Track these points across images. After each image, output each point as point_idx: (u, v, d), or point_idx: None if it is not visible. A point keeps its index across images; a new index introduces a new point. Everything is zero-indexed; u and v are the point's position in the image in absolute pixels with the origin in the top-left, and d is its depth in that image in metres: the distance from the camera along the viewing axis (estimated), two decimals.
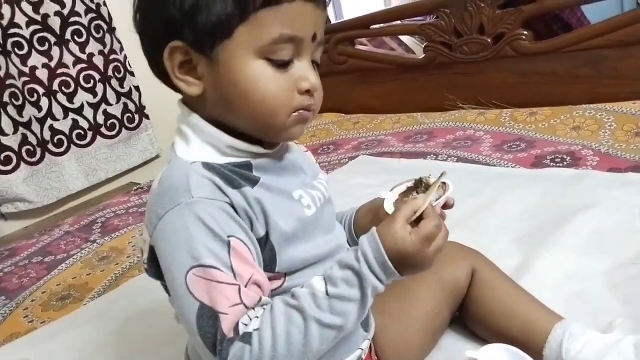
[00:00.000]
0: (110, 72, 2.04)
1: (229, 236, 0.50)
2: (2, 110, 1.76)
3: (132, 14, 0.57)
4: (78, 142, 1.98)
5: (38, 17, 1.84)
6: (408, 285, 0.73)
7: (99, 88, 2.01)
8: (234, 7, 0.50)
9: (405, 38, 2.24)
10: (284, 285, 0.56)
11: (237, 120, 0.56)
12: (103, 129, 2.04)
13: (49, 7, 1.86)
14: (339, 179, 1.48)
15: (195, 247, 0.49)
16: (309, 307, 0.50)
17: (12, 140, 1.80)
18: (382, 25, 2.01)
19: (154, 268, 0.55)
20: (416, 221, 0.55)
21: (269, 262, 0.54)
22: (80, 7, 1.94)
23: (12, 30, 1.79)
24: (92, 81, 1.99)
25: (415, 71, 1.93)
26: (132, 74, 2.09)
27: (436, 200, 0.62)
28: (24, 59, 1.82)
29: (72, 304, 1.16)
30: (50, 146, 1.90)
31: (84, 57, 1.96)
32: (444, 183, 0.64)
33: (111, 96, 2.05)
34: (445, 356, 0.73)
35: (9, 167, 1.80)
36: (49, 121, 1.88)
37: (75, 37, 1.94)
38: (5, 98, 1.76)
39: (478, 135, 1.58)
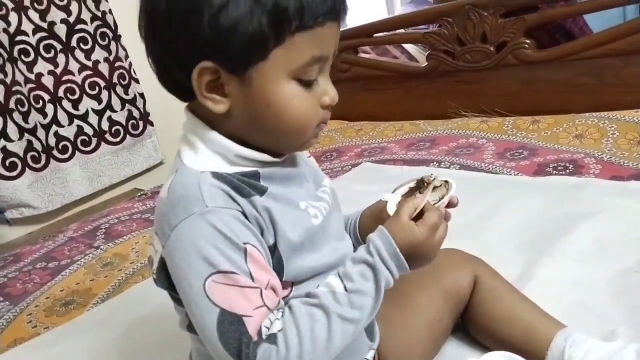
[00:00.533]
0: (115, 79, 2.05)
1: (245, 243, 0.51)
2: (7, 117, 1.77)
3: (145, 27, 0.55)
4: (83, 148, 1.99)
5: (44, 25, 1.86)
6: (411, 293, 0.73)
7: (104, 95, 2.03)
8: (271, 30, 0.51)
9: (408, 46, 2.25)
10: (290, 294, 0.56)
11: (260, 137, 0.57)
12: (108, 136, 2.06)
13: (56, 15, 1.88)
14: (342, 186, 1.49)
15: (212, 255, 0.50)
16: (330, 304, 0.52)
17: (17, 147, 1.81)
18: (385, 33, 2.02)
19: (164, 278, 0.55)
20: (416, 218, 0.58)
21: (276, 271, 0.55)
22: (86, 15, 1.96)
23: (18, 38, 1.80)
24: (97, 88, 2.00)
25: (418, 79, 1.94)
26: (137, 81, 2.11)
27: (440, 199, 0.62)
28: (30, 65, 1.84)
29: (75, 309, 1.16)
30: (55, 152, 1.91)
31: (89, 64, 1.98)
32: (446, 182, 0.65)
33: (116, 103, 2.06)
34: None
35: (14, 173, 1.81)
36: (54, 127, 1.90)
37: (81, 44, 1.96)
38: (11, 104, 1.78)
39: (481, 143, 1.58)
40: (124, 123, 2.09)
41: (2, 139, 1.77)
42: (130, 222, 1.59)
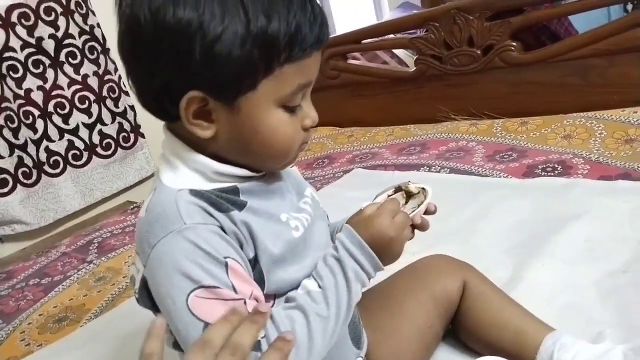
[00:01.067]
0: (105, 93, 2.05)
1: (225, 257, 0.51)
2: None
3: (127, 51, 0.54)
4: (74, 162, 1.99)
5: (32, 41, 1.86)
6: (400, 300, 0.74)
7: (94, 108, 2.03)
8: (261, 62, 0.51)
9: (397, 50, 2.26)
10: (273, 307, 0.57)
11: (244, 158, 0.58)
12: (99, 149, 2.05)
13: (44, 30, 1.88)
14: (334, 193, 1.49)
15: (193, 270, 0.50)
16: (306, 304, 0.54)
17: (8, 163, 1.81)
18: (373, 39, 2.03)
19: (146, 297, 0.56)
20: None
21: (258, 284, 0.55)
22: (74, 30, 1.96)
23: (7, 54, 1.80)
24: (87, 102, 2.00)
25: (407, 84, 1.95)
26: (126, 93, 2.11)
27: (418, 206, 0.63)
28: (19, 82, 1.83)
29: (69, 325, 1.16)
30: (46, 167, 1.91)
31: (78, 78, 1.98)
32: (423, 189, 0.65)
33: (106, 116, 2.06)
34: None
35: (5, 190, 1.80)
36: (44, 143, 1.90)
37: (70, 59, 1.96)
38: (1, 121, 1.78)
39: (470, 146, 1.59)
40: (114, 136, 2.09)
41: None
42: (123, 236, 1.59)
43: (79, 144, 1.99)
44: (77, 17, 1.96)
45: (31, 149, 1.86)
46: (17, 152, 1.82)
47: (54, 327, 1.17)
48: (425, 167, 1.53)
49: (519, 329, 0.70)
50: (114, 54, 2.04)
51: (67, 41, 1.94)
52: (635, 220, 0.99)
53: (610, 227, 0.99)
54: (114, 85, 2.07)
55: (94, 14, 2.01)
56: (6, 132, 1.79)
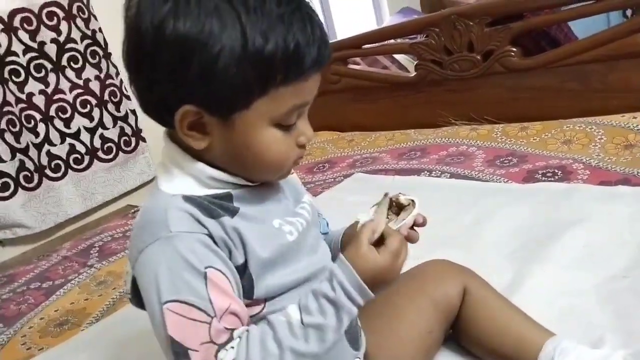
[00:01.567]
0: (106, 97, 2.06)
1: (206, 267, 0.52)
2: None
3: (129, 60, 0.55)
4: (75, 166, 1.99)
5: (35, 45, 1.87)
6: (400, 305, 0.74)
7: (96, 113, 2.03)
8: (256, 83, 0.52)
9: (398, 55, 2.27)
10: (264, 310, 0.57)
11: (238, 169, 0.58)
12: (100, 153, 2.06)
13: (46, 35, 1.89)
14: (334, 197, 1.50)
15: (173, 281, 0.51)
16: (284, 336, 0.52)
17: (9, 167, 1.81)
18: (374, 44, 2.04)
19: (137, 298, 0.56)
20: (378, 241, 0.58)
21: (247, 290, 0.56)
22: (76, 34, 1.97)
23: (9, 59, 1.81)
24: (88, 106, 2.01)
25: (408, 89, 1.96)
26: (128, 97, 2.12)
27: (403, 220, 0.63)
28: (21, 86, 1.84)
29: (70, 330, 1.16)
30: (47, 171, 1.91)
31: (80, 82, 1.99)
32: (412, 201, 0.66)
33: (108, 120, 2.07)
34: None
35: (6, 194, 1.81)
36: (46, 147, 1.90)
37: (72, 63, 1.96)
38: (3, 125, 1.78)
39: (471, 151, 1.60)
40: (116, 140, 2.10)
41: None
42: (124, 240, 1.59)
43: (80, 147, 2.00)
44: (79, 21, 1.97)
45: (33, 152, 1.87)
46: (18, 155, 1.83)
47: (55, 331, 1.17)
48: (426, 172, 1.54)
49: (519, 334, 0.70)
50: (116, 58, 2.06)
51: (69, 45, 1.95)
52: (635, 225, 0.99)
53: (610, 232, 0.99)
54: (115, 89, 2.08)
55: (95, 18, 2.02)
56: (8, 136, 1.80)
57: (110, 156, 2.09)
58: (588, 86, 1.59)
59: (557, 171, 1.33)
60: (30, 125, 1.86)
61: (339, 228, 0.77)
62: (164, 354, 0.54)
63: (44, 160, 1.90)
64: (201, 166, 0.57)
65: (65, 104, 1.95)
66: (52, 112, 1.92)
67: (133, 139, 2.16)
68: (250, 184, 0.60)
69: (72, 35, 1.96)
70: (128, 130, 2.14)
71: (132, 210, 1.84)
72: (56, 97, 1.93)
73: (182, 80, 0.52)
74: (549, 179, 1.30)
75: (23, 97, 1.84)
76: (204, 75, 0.51)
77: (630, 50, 1.49)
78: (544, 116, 1.61)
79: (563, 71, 1.62)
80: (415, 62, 1.93)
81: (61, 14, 1.92)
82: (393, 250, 0.57)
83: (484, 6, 1.71)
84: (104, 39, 2.05)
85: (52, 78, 1.92)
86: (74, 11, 1.96)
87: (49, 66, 1.91)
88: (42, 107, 1.89)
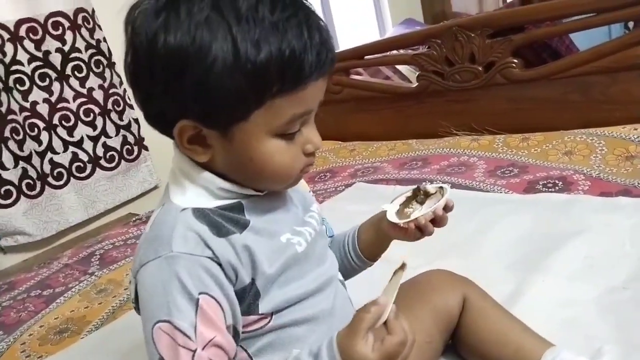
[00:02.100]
0: (110, 106, 2.07)
1: (200, 293, 0.51)
2: (3, 145, 1.78)
3: (129, 74, 0.55)
4: (78, 174, 2.00)
5: (40, 54, 1.88)
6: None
7: (99, 121, 2.04)
8: (251, 94, 0.51)
9: (400, 66, 2.28)
10: (270, 323, 0.57)
11: (244, 180, 0.58)
12: (102, 161, 2.07)
13: (51, 44, 1.90)
14: (335, 206, 1.50)
15: (166, 302, 0.51)
16: None
17: (12, 175, 1.82)
18: (376, 55, 2.05)
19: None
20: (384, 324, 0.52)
21: (253, 305, 0.56)
22: (80, 44, 1.98)
23: (14, 67, 1.83)
24: (92, 115, 2.02)
25: (409, 99, 1.97)
26: (131, 106, 2.13)
27: (429, 207, 0.63)
28: (25, 94, 1.85)
29: (69, 337, 1.16)
30: (50, 179, 1.92)
31: (84, 91, 1.99)
32: (441, 188, 0.66)
33: (111, 129, 2.08)
34: None
35: (9, 201, 1.81)
36: (49, 155, 1.91)
37: (76, 72, 1.98)
38: (7, 133, 1.79)
39: (472, 161, 1.60)
40: (118, 148, 2.11)
41: None
42: (125, 248, 1.59)
43: (83, 156, 2.01)
44: (83, 31, 1.99)
45: (35, 160, 1.87)
46: (21, 163, 1.83)
47: (55, 338, 1.17)
48: (427, 181, 1.54)
49: (519, 344, 0.70)
50: (120, 67, 2.07)
51: (73, 55, 1.96)
52: (635, 236, 0.99)
53: (611, 243, 0.99)
54: (118, 98, 2.09)
55: (100, 28, 2.04)
56: (11, 144, 1.81)
57: (113, 164, 2.10)
58: (589, 98, 1.60)
59: (557, 182, 1.33)
60: (33, 134, 1.86)
61: (348, 229, 0.77)
62: None
63: (47, 168, 1.91)
64: (210, 177, 0.57)
65: (68, 113, 1.96)
66: (55, 121, 1.92)
67: (135, 148, 2.17)
68: (259, 193, 0.60)
69: (77, 45, 1.97)
70: (131, 138, 2.15)
71: (134, 219, 1.85)
72: (60, 105, 1.94)
73: (177, 94, 0.51)
74: (550, 190, 1.30)
75: (27, 105, 1.85)
76: (198, 88, 0.50)
77: (632, 62, 1.50)
78: (545, 127, 1.62)
79: (564, 83, 1.63)
80: (417, 73, 1.94)
81: (66, 24, 1.94)
82: (390, 352, 0.50)
83: (486, 18, 1.73)
84: (108, 49, 2.06)
85: (56, 87, 1.93)
86: (79, 21, 1.98)
87: (53, 75, 1.92)
88: (46, 115, 1.90)
